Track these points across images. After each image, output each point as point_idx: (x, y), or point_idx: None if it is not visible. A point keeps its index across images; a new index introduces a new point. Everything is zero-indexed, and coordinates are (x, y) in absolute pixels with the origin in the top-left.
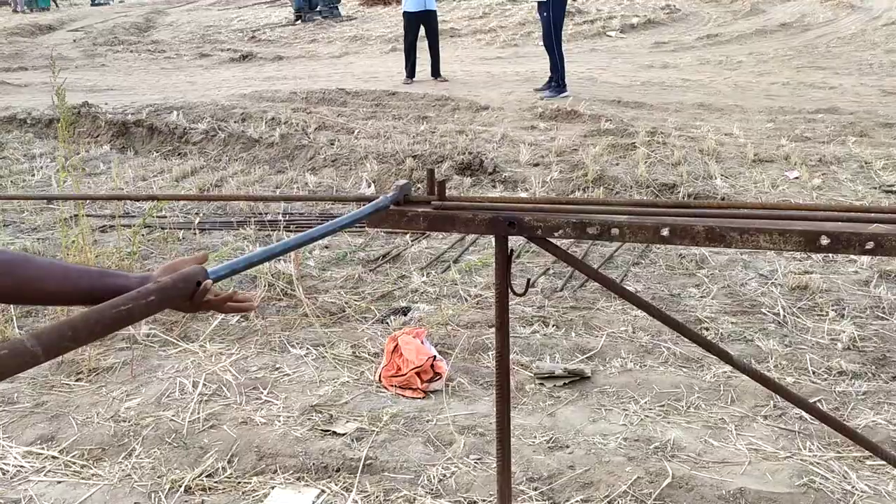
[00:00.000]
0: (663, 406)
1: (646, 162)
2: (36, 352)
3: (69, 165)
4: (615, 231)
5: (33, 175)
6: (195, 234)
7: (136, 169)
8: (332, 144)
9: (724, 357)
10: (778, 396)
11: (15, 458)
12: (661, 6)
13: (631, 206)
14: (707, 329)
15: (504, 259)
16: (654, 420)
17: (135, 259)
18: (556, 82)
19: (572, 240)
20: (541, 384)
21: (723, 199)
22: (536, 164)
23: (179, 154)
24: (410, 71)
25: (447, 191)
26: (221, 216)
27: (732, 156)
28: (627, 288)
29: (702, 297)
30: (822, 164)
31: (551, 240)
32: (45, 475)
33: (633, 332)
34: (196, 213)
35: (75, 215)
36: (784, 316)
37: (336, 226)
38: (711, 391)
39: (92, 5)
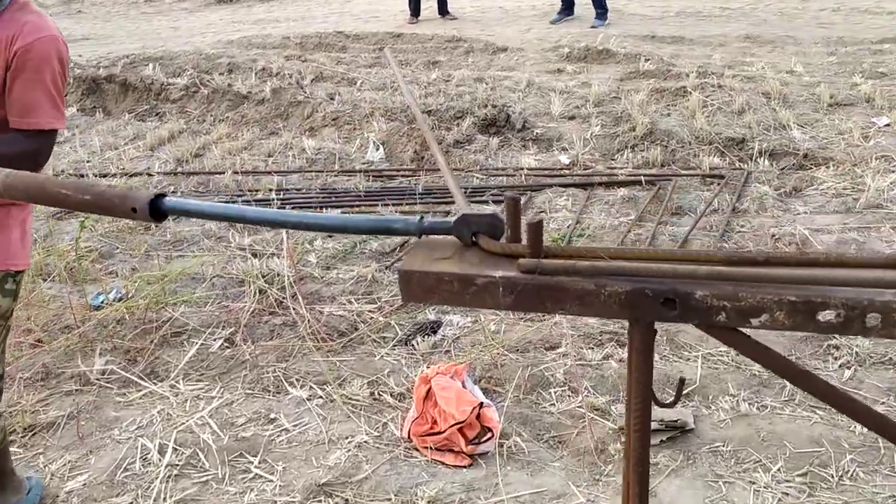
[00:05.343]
0: (805, 475)
1: (703, 111)
2: None
3: None
4: (873, 319)
5: None
6: (168, 220)
7: (105, 135)
8: (331, 99)
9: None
10: None
11: None
12: None
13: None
14: (837, 348)
15: (647, 355)
16: (797, 500)
17: (90, 260)
18: (602, 7)
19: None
20: None
21: (805, 154)
22: (572, 118)
23: (157, 114)
24: (415, 9)
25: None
26: (204, 193)
27: (803, 99)
28: None
29: None
30: None
31: (743, 329)
32: None
33: (737, 355)
34: (172, 192)
35: None
36: None
37: (348, 224)
38: (867, 450)
39: None
